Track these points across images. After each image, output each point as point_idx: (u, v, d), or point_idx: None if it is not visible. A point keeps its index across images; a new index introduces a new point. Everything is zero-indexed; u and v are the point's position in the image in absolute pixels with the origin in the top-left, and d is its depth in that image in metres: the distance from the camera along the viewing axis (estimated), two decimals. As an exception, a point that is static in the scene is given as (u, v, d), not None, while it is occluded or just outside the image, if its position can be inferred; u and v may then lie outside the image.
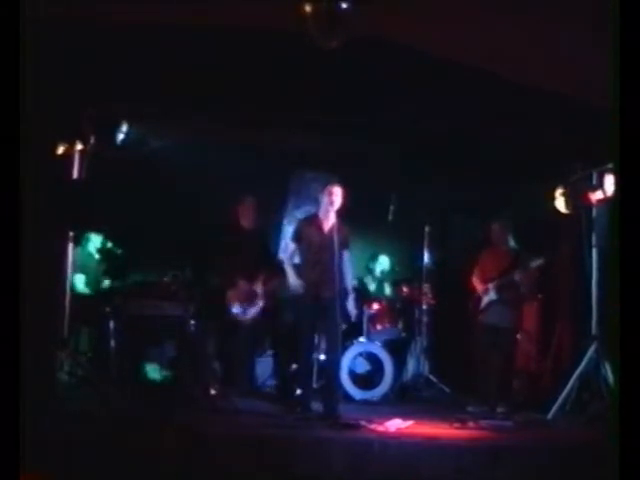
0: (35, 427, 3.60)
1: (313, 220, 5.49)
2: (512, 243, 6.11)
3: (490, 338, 5.96)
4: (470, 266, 6.28)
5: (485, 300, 6.06)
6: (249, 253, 6.06)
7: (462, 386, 6.31)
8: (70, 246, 5.44)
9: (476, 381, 6.02)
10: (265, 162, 7.03)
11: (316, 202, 5.61)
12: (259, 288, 6.06)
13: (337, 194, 5.35)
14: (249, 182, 6.75)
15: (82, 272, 6.19)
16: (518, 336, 6.31)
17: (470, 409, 5.65)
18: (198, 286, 6.03)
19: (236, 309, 5.97)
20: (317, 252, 5.34)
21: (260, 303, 6.05)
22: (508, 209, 6.47)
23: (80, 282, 6.15)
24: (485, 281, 6.10)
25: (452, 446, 4.37)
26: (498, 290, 5.98)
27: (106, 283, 6.20)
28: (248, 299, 6.01)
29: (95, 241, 6.25)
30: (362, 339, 6.52)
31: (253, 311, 6.02)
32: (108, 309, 5.78)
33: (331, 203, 5.32)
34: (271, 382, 6.35)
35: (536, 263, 5.87)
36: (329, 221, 5.39)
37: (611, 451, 3.01)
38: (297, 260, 5.65)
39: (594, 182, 5.54)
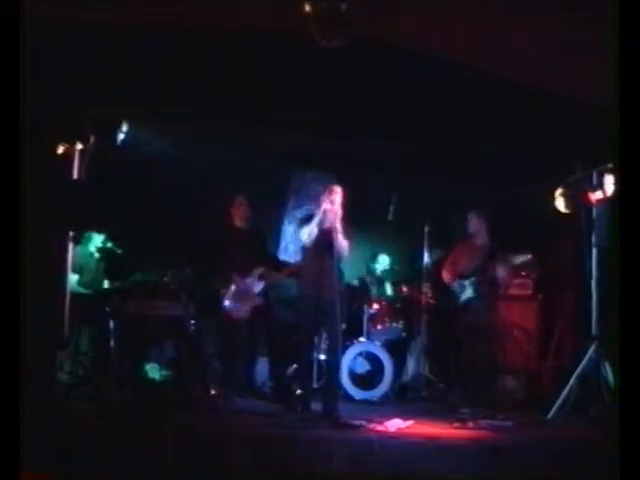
0: (35, 427, 3.60)
1: (312, 220, 5.47)
2: (486, 238, 6.05)
3: (471, 337, 5.87)
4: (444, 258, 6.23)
5: (463, 297, 5.98)
6: (243, 251, 6.06)
7: (462, 386, 6.30)
8: (70, 246, 5.44)
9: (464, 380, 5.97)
10: (265, 162, 7.04)
11: (316, 202, 5.60)
12: (254, 285, 6.04)
13: (337, 194, 5.33)
14: (249, 182, 6.75)
15: (82, 272, 6.19)
16: (516, 334, 6.30)
17: (463, 410, 5.59)
18: (198, 286, 6.03)
19: (229, 305, 5.96)
20: (318, 253, 5.33)
21: (254, 300, 6.02)
22: (508, 209, 6.46)
23: (80, 282, 6.15)
24: (458, 275, 6.01)
25: (452, 446, 4.36)
26: (476, 286, 5.90)
27: (106, 283, 6.20)
28: (242, 295, 6.00)
29: (95, 241, 6.25)
30: (362, 339, 6.53)
31: (246, 308, 6.00)
32: (108, 309, 5.77)
33: (331, 203, 5.31)
34: (271, 382, 6.34)
35: (521, 259, 5.81)
36: (330, 222, 5.37)
37: (611, 451, 3.02)
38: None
39: (594, 182, 5.53)
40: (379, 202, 6.69)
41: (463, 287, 5.96)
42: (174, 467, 4.00)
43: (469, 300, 5.94)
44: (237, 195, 6.30)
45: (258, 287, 6.07)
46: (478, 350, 5.85)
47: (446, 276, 6.10)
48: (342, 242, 5.27)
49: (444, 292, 6.26)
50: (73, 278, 6.06)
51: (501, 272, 5.83)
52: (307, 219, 5.46)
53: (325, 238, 5.31)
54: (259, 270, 6.07)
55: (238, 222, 6.26)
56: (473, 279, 5.91)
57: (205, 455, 4.10)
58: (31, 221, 3.67)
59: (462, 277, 5.98)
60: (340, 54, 4.52)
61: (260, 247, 6.33)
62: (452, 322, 6.10)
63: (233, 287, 5.99)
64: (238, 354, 6.07)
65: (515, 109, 5.75)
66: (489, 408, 5.54)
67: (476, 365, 5.84)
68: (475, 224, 6.08)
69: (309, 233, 5.28)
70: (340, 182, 5.61)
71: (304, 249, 5.52)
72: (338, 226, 5.26)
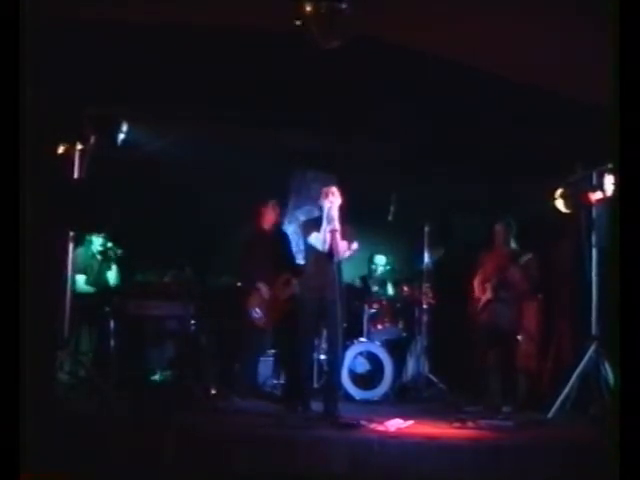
0: (35, 427, 3.60)
1: (316, 222, 5.47)
2: (514, 244, 6.10)
3: (489, 337, 5.96)
4: (472, 269, 6.27)
5: (483, 300, 6.05)
6: (270, 256, 6.05)
7: (462, 386, 6.31)
8: (70, 246, 5.44)
9: (476, 381, 6.02)
10: (265, 162, 7.04)
11: (316, 202, 5.60)
12: (282, 293, 6.02)
13: (335, 195, 5.33)
14: (249, 182, 6.76)
15: (82, 272, 6.19)
16: (518, 336, 6.31)
17: (468, 409, 5.63)
18: (198, 286, 6.03)
19: (256, 314, 5.95)
20: (319, 254, 5.33)
21: (282, 308, 5.99)
22: (508, 209, 6.47)
23: (80, 282, 6.15)
24: (484, 282, 6.08)
25: (452, 446, 4.36)
26: (494, 289, 5.96)
27: (106, 283, 6.20)
28: (269, 305, 5.98)
29: (95, 241, 6.26)
30: (362, 339, 6.53)
31: (274, 316, 5.99)
32: (108, 309, 5.78)
33: (330, 204, 5.30)
34: (272, 382, 6.34)
35: (524, 259, 5.88)
36: (331, 223, 5.35)
37: (611, 451, 3.02)
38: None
39: (594, 182, 5.53)
40: (379, 202, 6.70)
41: (484, 290, 6.04)
42: (174, 467, 4.00)
43: (488, 302, 6.00)
44: (269, 199, 6.27)
45: (285, 294, 6.03)
46: (499, 351, 5.92)
47: (477, 285, 6.14)
48: (341, 243, 5.27)
49: (464, 295, 6.29)
50: (80, 278, 6.07)
51: (511, 274, 5.89)
52: (312, 223, 5.46)
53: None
54: (284, 277, 6.05)
55: (266, 225, 6.24)
56: (492, 282, 5.97)
57: (205, 455, 4.10)
58: (31, 221, 3.66)
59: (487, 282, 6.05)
60: (340, 54, 4.53)
61: (285, 252, 6.29)
62: (471, 324, 6.14)
63: (259, 297, 5.97)
64: (251, 355, 6.07)
65: (515, 109, 5.76)
66: (500, 408, 5.57)
67: (496, 366, 5.89)
68: (499, 233, 6.11)
69: (323, 240, 5.27)
70: (340, 182, 5.60)
71: (306, 250, 5.52)
72: (337, 227, 5.26)
